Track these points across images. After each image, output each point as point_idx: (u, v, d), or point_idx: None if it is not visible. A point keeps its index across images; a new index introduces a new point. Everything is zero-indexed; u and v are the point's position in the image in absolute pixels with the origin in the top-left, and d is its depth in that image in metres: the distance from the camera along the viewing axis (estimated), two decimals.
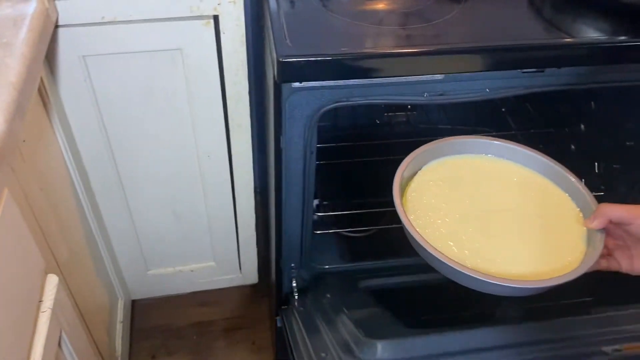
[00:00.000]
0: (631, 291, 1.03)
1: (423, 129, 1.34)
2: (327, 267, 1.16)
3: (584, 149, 1.17)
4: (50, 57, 0.89)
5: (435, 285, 1.17)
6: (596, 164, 1.17)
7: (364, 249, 1.21)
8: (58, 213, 0.89)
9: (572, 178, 0.78)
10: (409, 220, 0.71)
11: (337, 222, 1.20)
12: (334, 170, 1.22)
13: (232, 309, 1.53)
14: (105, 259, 1.21)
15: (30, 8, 0.78)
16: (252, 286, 1.55)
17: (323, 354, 0.95)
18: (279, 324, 1.16)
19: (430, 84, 0.81)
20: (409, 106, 1.24)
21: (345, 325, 0.99)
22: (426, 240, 0.68)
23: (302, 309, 1.09)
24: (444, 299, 1.18)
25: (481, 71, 0.79)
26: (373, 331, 0.93)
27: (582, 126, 1.17)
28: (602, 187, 1.16)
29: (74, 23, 0.87)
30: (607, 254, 0.72)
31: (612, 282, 0.74)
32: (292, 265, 1.10)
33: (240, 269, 1.42)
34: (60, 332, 0.76)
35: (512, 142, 0.83)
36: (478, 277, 0.64)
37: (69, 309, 0.79)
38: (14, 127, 0.63)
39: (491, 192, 0.79)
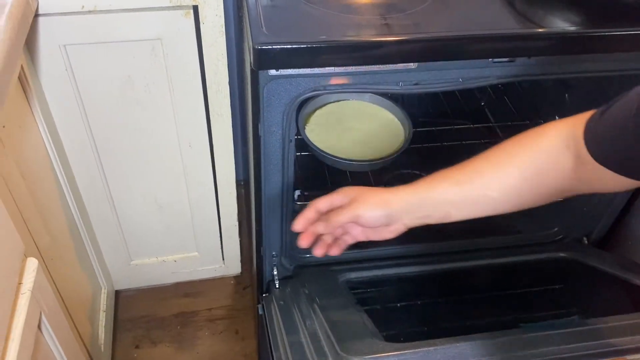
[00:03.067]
0: (615, 303, 1.06)
1: None
2: (307, 256, 1.17)
3: None
4: (30, 46, 0.90)
5: (412, 278, 1.20)
6: None
7: None
8: (38, 199, 0.90)
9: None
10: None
11: None
12: (314, 162, 1.24)
13: (216, 300, 1.54)
14: (88, 248, 1.22)
15: None
16: (235, 277, 1.57)
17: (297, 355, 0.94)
18: (260, 312, 1.17)
19: (404, 73, 0.83)
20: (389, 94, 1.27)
21: (321, 326, 0.99)
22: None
23: (281, 301, 1.10)
24: (422, 293, 1.22)
25: (453, 60, 0.81)
26: (347, 341, 0.89)
27: (557, 117, 1.20)
28: None
29: (53, 12, 0.88)
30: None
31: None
32: (274, 253, 1.11)
33: (223, 259, 1.44)
34: (40, 315, 0.77)
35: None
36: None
37: (49, 293, 0.80)
38: None
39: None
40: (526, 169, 0.67)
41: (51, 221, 0.96)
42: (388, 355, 0.85)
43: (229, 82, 1.05)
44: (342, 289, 1.09)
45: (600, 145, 0.60)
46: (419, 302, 1.23)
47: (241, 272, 1.55)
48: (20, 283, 0.73)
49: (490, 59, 0.82)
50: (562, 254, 1.19)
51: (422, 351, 0.85)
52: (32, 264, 0.75)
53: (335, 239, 0.78)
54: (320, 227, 0.75)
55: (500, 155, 0.70)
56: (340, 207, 0.74)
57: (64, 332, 0.87)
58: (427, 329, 1.18)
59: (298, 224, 0.75)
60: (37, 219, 0.87)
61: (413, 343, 0.86)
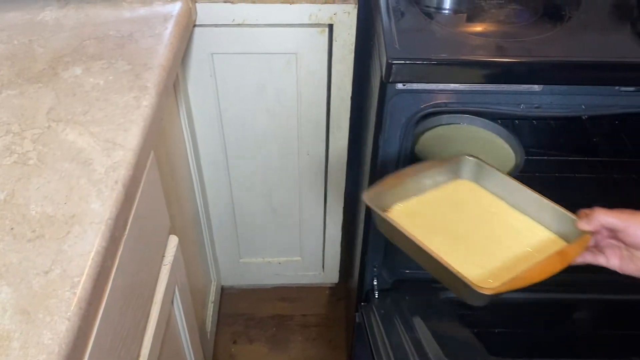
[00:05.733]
0: None
1: None
2: (407, 271, 1.21)
3: None
4: (185, 51, 1.03)
5: (515, 304, 1.19)
6: None
7: None
8: (177, 187, 1.01)
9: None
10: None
11: None
12: None
13: (311, 307, 1.60)
14: (206, 241, 1.33)
15: (177, 7, 0.91)
16: (331, 288, 1.63)
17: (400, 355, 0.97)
18: (357, 320, 1.21)
19: (526, 95, 0.85)
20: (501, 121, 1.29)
21: (424, 333, 1.02)
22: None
23: (382, 310, 1.14)
24: (523, 322, 1.20)
25: (578, 84, 0.83)
26: (455, 353, 0.92)
27: None
28: None
29: (208, 23, 1.00)
30: (595, 248, 0.73)
31: None
32: (375, 264, 1.16)
33: (323, 267, 1.50)
34: (175, 289, 0.86)
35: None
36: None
37: (182, 270, 0.90)
38: (162, 101, 0.75)
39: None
40: None
41: (183, 208, 1.07)
42: None
43: (351, 96, 1.13)
44: (445, 305, 1.11)
45: None
46: (518, 331, 1.21)
47: (337, 284, 1.60)
48: (163, 255, 0.82)
49: (616, 87, 0.83)
50: None
51: None
52: (174, 240, 0.85)
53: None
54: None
55: None
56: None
57: (189, 312, 0.96)
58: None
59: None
60: (176, 203, 0.98)
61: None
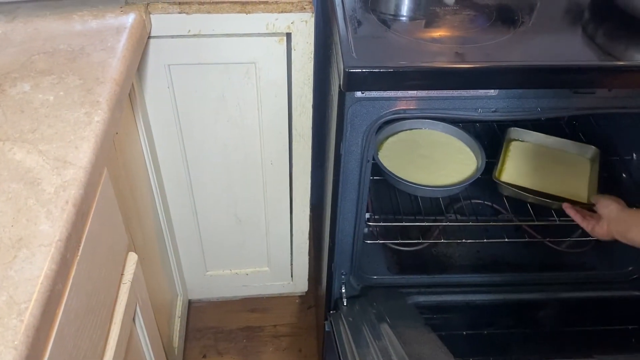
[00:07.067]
0: None
1: None
2: (375, 277, 1.21)
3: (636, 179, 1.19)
4: (140, 63, 1.01)
5: (481, 306, 1.20)
6: None
7: (412, 262, 1.26)
8: (136, 202, 0.99)
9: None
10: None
11: (386, 234, 1.26)
12: (385, 187, 1.29)
13: (281, 317, 1.59)
14: (170, 255, 1.30)
15: (130, 19, 0.89)
16: (301, 297, 1.62)
17: None
18: (327, 329, 1.21)
19: (484, 100, 0.86)
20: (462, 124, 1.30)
21: (391, 340, 1.02)
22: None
23: (350, 318, 1.14)
24: (489, 323, 1.21)
25: (534, 88, 0.84)
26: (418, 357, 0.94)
27: (634, 155, 1.19)
28: None
29: (164, 35, 0.98)
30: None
31: None
32: (343, 271, 1.15)
33: (292, 276, 1.49)
34: (136, 306, 0.84)
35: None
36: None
37: (143, 287, 0.88)
38: (115, 116, 0.73)
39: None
40: None
41: (144, 224, 1.05)
42: None
43: (312, 105, 1.12)
44: (412, 311, 1.11)
45: None
46: (485, 332, 1.22)
47: (307, 292, 1.60)
48: (122, 274, 0.80)
49: (570, 90, 0.85)
50: (636, 293, 1.16)
51: None
52: (133, 258, 0.83)
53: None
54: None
55: None
56: None
57: (152, 328, 0.94)
58: (492, 359, 1.17)
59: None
60: (135, 220, 0.96)
61: None
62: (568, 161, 1.27)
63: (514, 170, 1.24)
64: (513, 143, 1.31)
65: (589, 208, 1.08)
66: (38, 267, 0.52)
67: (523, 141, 1.32)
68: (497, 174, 1.21)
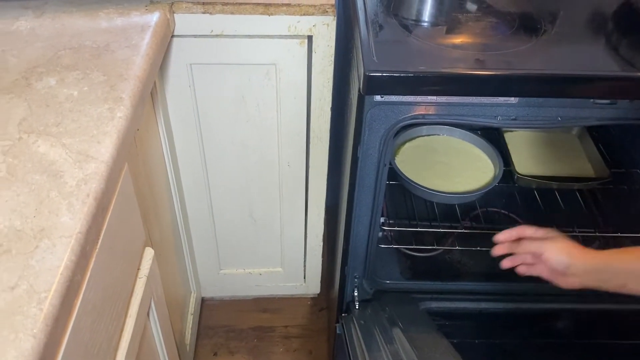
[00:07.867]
0: None
1: None
2: (387, 282, 1.21)
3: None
4: (163, 62, 1.02)
5: (494, 315, 1.19)
6: None
7: (425, 268, 1.25)
8: (154, 198, 1.00)
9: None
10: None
11: (400, 239, 1.26)
12: (400, 193, 1.29)
13: (292, 318, 1.59)
14: (185, 252, 1.32)
15: (154, 18, 0.91)
16: (313, 298, 1.62)
17: None
18: (338, 331, 1.21)
19: (503, 107, 0.86)
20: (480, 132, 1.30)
21: (402, 344, 1.02)
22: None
23: (362, 321, 1.14)
24: (502, 332, 1.21)
25: (555, 97, 0.83)
26: None
27: None
28: None
29: (187, 34, 0.99)
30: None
31: None
32: (356, 275, 1.15)
33: (304, 277, 1.49)
34: (150, 301, 0.85)
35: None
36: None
37: (159, 282, 0.89)
38: (137, 113, 0.74)
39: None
40: None
41: (161, 221, 1.06)
42: None
43: (331, 108, 1.13)
44: (424, 316, 1.11)
45: None
46: (497, 342, 1.22)
47: (319, 294, 1.60)
48: (138, 269, 0.81)
49: (591, 100, 0.84)
50: None
51: None
52: (149, 253, 0.84)
53: (528, 265, 0.88)
54: (514, 246, 0.88)
55: None
56: (536, 239, 0.84)
57: (166, 324, 0.95)
58: None
59: (501, 236, 0.89)
60: (152, 217, 0.97)
61: None
62: (558, 143, 1.30)
63: (522, 162, 1.25)
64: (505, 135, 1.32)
65: (603, 182, 1.10)
66: (58, 257, 0.53)
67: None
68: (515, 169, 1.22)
